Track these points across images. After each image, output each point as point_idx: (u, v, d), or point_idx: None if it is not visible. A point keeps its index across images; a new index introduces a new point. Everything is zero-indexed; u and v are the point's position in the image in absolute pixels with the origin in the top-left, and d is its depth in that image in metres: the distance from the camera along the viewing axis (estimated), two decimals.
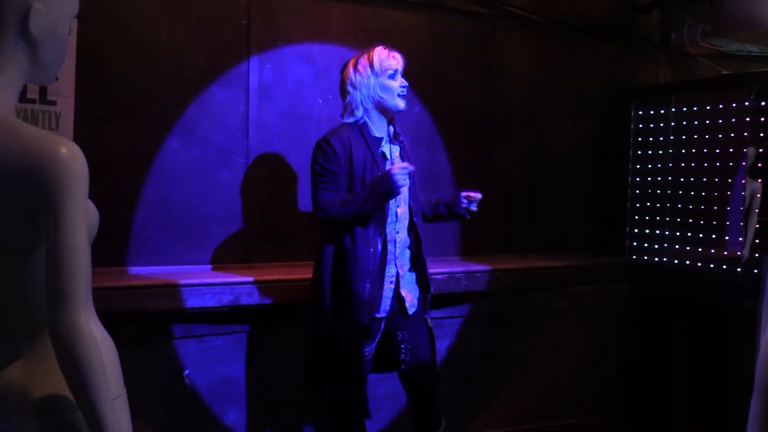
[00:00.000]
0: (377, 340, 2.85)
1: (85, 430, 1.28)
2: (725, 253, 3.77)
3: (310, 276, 2.92)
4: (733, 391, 3.62)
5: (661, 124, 4.18)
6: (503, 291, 3.72)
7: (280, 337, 3.29)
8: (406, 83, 2.81)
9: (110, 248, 3.14)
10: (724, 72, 4.42)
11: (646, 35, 4.55)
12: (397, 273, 2.83)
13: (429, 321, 2.95)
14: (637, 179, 4.32)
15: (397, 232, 2.82)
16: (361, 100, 2.78)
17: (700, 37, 4.13)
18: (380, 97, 2.78)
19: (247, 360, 3.23)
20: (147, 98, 3.20)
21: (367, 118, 2.81)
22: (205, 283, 2.98)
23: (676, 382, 4.02)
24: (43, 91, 2.88)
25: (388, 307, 2.82)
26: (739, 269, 3.65)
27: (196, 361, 3.10)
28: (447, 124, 3.86)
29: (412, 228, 2.87)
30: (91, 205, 1.41)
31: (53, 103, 2.92)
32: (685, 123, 4.06)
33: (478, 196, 2.90)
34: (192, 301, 2.94)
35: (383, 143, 2.83)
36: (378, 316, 2.80)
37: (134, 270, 3.17)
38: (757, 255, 3.57)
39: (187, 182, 3.30)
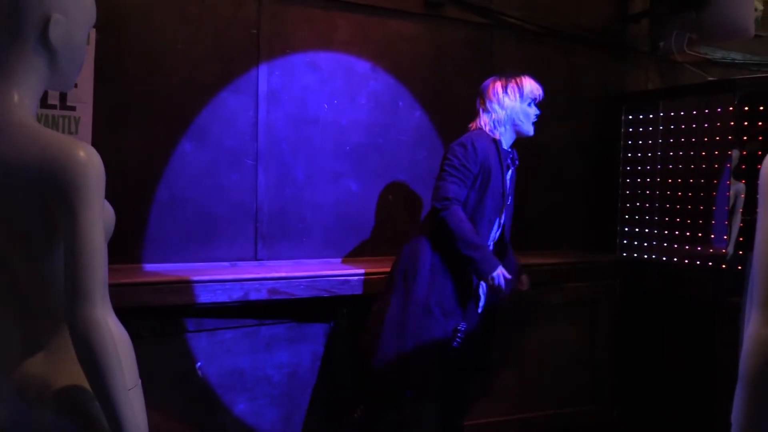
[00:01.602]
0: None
1: (102, 420, 1.29)
2: (711, 250, 3.76)
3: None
4: (718, 381, 3.62)
5: (650, 128, 4.18)
6: None
7: (287, 330, 3.29)
8: (539, 111, 2.97)
9: (126, 246, 3.14)
10: (710, 78, 4.41)
11: (635, 44, 4.55)
12: None
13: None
14: (628, 180, 4.31)
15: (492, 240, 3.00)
16: (504, 120, 2.93)
17: (687, 45, 4.13)
18: (520, 121, 2.94)
19: (256, 353, 3.23)
20: (161, 104, 3.21)
21: (502, 136, 2.95)
22: (216, 279, 2.98)
23: (665, 372, 4.02)
24: (63, 97, 2.89)
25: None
26: (724, 266, 3.64)
27: (208, 353, 3.10)
28: (446, 127, 3.86)
29: (501, 239, 3.05)
30: (107, 205, 1.40)
31: (73, 108, 2.92)
32: (672, 127, 4.05)
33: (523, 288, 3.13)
34: (204, 297, 2.94)
35: (508, 158, 2.99)
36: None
37: (149, 267, 3.17)
38: (740, 252, 3.57)
39: (200, 183, 3.30)
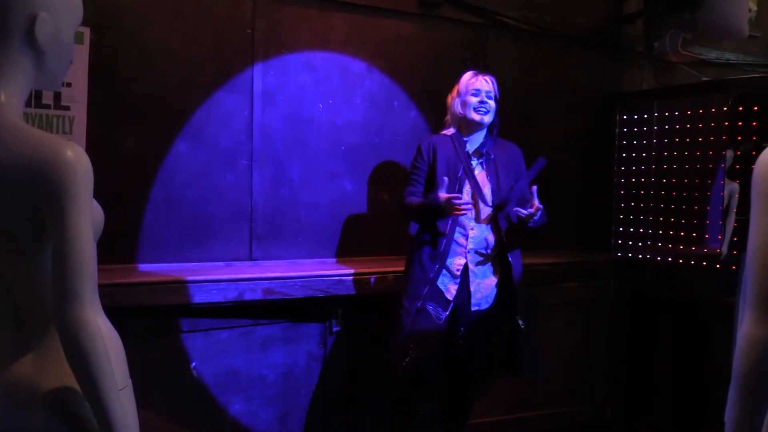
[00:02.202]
0: (448, 313, 2.93)
1: (92, 421, 1.28)
2: (705, 250, 3.77)
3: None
4: (713, 380, 3.63)
5: (645, 128, 4.18)
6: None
7: (283, 330, 3.29)
8: (486, 101, 2.98)
9: (121, 246, 3.14)
10: (704, 79, 4.42)
11: (630, 44, 4.55)
12: (466, 266, 2.93)
13: (521, 323, 2.98)
14: (623, 180, 4.32)
15: (472, 229, 2.94)
16: (452, 115, 3.07)
17: (681, 45, 4.14)
18: (460, 113, 3.00)
19: (251, 353, 3.23)
20: (156, 103, 3.20)
21: (458, 132, 3.05)
22: (210, 279, 2.97)
23: (660, 372, 4.03)
24: (57, 96, 2.89)
25: (454, 292, 2.93)
26: (718, 265, 3.65)
27: (203, 353, 3.10)
28: (441, 127, 3.86)
29: (497, 231, 2.98)
30: (96, 205, 1.40)
31: (67, 108, 2.92)
32: (667, 127, 4.05)
33: (528, 211, 2.89)
34: (198, 297, 2.94)
35: (471, 147, 3.01)
36: (445, 295, 2.93)
37: (143, 267, 3.17)
38: (734, 252, 3.58)
39: (195, 183, 3.30)
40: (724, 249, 3.61)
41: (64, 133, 2.89)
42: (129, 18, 3.12)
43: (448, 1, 3.88)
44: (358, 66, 3.67)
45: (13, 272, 1.32)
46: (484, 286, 2.97)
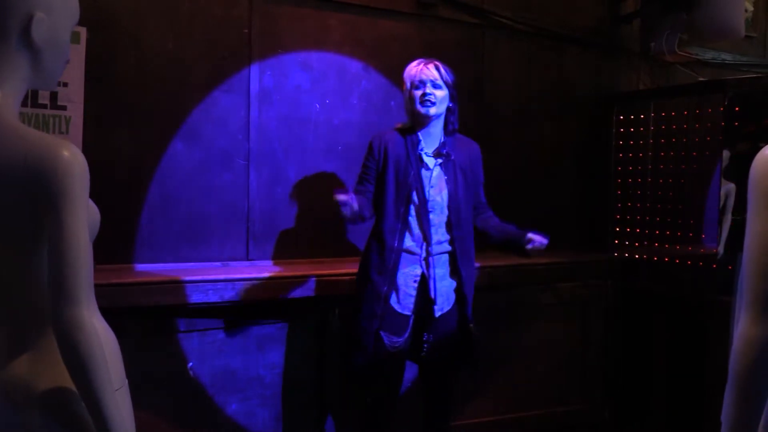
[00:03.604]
0: (406, 334, 2.86)
1: (88, 422, 1.28)
2: (702, 250, 3.78)
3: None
4: (709, 381, 3.63)
5: (642, 128, 4.19)
6: (493, 286, 3.71)
7: (279, 330, 3.29)
8: (431, 92, 2.79)
9: (117, 246, 3.13)
10: (700, 79, 4.43)
11: (627, 44, 4.56)
12: (423, 274, 2.84)
13: (472, 328, 2.94)
14: (619, 180, 4.32)
15: (425, 237, 2.83)
16: (405, 111, 2.91)
17: (678, 45, 4.15)
18: (409, 108, 2.87)
19: (248, 353, 3.22)
20: (153, 103, 3.20)
21: (413, 126, 2.88)
22: (207, 279, 2.97)
23: (656, 372, 4.03)
24: (53, 96, 2.88)
25: (411, 305, 2.85)
26: (714, 265, 3.66)
27: (200, 353, 3.09)
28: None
29: (452, 237, 2.88)
30: (92, 205, 1.39)
31: (63, 108, 2.92)
32: (663, 127, 4.06)
33: (544, 243, 2.95)
34: (195, 297, 2.93)
35: (424, 149, 2.86)
36: (401, 312, 2.84)
37: (140, 267, 3.16)
38: (731, 252, 3.58)
39: (191, 183, 3.29)
40: (721, 249, 3.62)
41: (60, 133, 2.88)
42: (125, 17, 3.12)
43: (444, 1, 3.88)
44: (354, 66, 3.67)
45: (10, 272, 1.32)
46: (444, 289, 2.89)
